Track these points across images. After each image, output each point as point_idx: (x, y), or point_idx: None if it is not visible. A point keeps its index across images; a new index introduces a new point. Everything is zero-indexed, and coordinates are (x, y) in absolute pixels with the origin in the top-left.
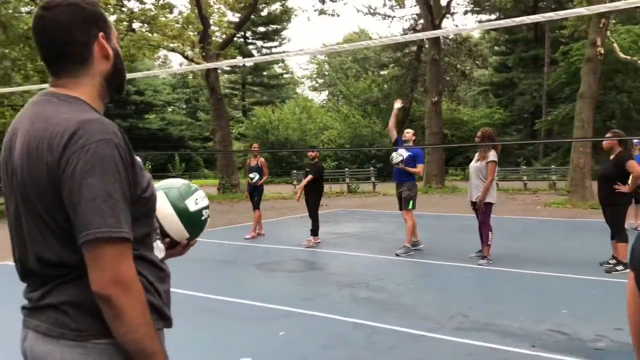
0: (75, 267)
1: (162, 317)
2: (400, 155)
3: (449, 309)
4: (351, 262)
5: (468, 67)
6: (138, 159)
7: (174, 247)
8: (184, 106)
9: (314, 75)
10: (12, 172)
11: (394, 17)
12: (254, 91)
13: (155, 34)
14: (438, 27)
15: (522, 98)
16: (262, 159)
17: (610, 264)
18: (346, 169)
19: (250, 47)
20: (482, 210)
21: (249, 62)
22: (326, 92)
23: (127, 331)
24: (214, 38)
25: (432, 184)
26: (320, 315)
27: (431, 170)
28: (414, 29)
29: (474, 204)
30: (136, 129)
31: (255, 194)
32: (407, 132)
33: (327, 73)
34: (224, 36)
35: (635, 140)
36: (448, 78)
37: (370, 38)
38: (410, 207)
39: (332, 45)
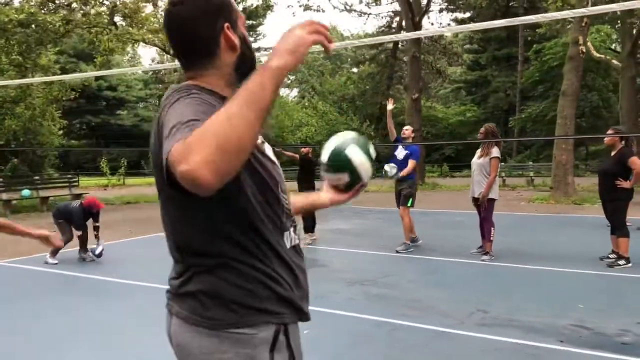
0: (211, 256)
1: (295, 309)
2: (392, 168)
3: (467, 305)
4: (353, 259)
5: (443, 65)
6: None
7: (350, 190)
8: (157, 102)
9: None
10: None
11: (370, 14)
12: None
13: (140, 30)
14: (418, 24)
15: (496, 96)
16: None
17: (610, 258)
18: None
19: None
20: (485, 206)
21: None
22: (297, 89)
23: (232, 130)
24: None
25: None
26: (338, 313)
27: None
28: (389, 27)
29: (476, 199)
30: (108, 125)
31: None
32: (406, 129)
33: (299, 69)
34: None
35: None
36: (423, 75)
37: (342, 35)
38: (409, 204)
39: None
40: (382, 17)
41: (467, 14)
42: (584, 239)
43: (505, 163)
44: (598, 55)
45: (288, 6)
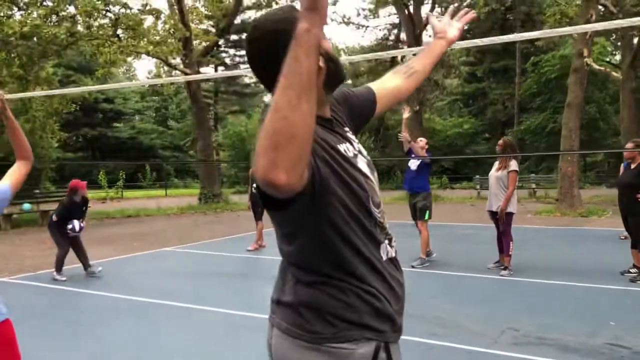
0: (309, 269)
1: (395, 326)
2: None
3: (497, 323)
4: None
5: (440, 77)
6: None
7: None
8: (153, 114)
9: None
10: None
11: (368, 26)
12: (227, 100)
13: (142, 41)
14: (419, 37)
15: (494, 108)
16: None
17: (632, 273)
18: None
19: (223, 54)
20: (503, 220)
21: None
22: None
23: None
24: (194, 45)
25: None
26: None
27: None
28: (387, 39)
29: (493, 213)
30: (105, 138)
31: (259, 204)
32: (420, 140)
33: None
34: (202, 44)
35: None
36: (422, 87)
37: (336, 47)
38: (426, 217)
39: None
40: (380, 30)
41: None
42: (599, 253)
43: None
44: (598, 67)
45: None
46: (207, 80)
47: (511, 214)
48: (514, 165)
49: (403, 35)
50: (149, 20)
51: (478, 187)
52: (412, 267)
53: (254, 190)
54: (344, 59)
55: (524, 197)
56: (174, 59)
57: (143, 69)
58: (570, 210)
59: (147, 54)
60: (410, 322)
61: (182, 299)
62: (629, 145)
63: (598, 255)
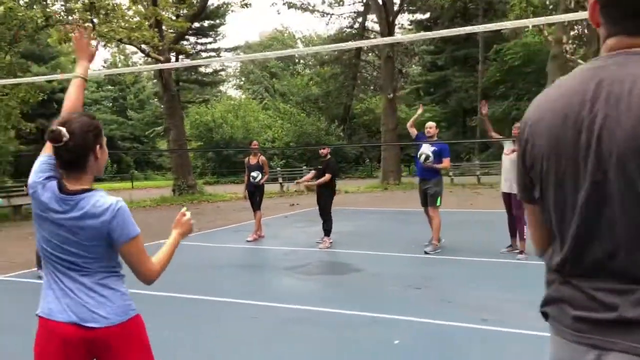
0: None
1: None
2: (423, 153)
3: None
4: (385, 262)
5: (406, 66)
6: None
7: None
8: (110, 105)
9: (237, 73)
10: (589, 139)
11: (332, 14)
12: (188, 89)
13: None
14: (392, 24)
15: (457, 96)
16: (262, 157)
17: None
18: (304, 167)
19: (184, 42)
20: (517, 203)
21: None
22: (250, 90)
23: None
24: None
25: (389, 181)
26: (416, 320)
27: (388, 167)
28: (352, 27)
29: (507, 195)
30: None
31: (256, 193)
32: (430, 127)
33: (251, 71)
34: (170, 30)
35: None
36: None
37: (293, 36)
38: (438, 204)
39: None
40: (345, 18)
41: (426, 15)
42: None
43: (469, 162)
44: (569, 56)
45: (272, 4)
46: (177, 68)
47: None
48: None
49: (369, 24)
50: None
51: (478, 172)
52: (426, 253)
53: (251, 180)
54: (307, 49)
55: (496, 182)
56: (147, 44)
57: (98, 57)
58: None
59: (128, 40)
60: (455, 309)
61: (205, 292)
62: None
63: None
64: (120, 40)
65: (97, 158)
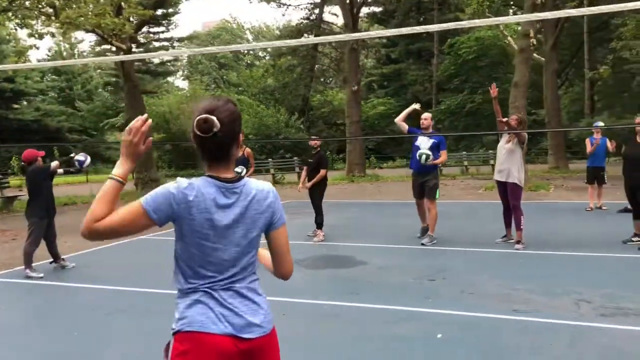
0: None
1: None
2: (423, 154)
3: (564, 296)
4: (386, 254)
5: (361, 59)
6: None
7: None
8: (57, 95)
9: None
10: None
11: (289, 5)
12: (140, 79)
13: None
14: (357, 16)
15: (413, 89)
16: (248, 150)
17: (634, 241)
18: (269, 160)
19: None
20: (513, 193)
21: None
22: (198, 81)
23: None
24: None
25: (354, 173)
26: (452, 313)
27: (353, 159)
28: (308, 19)
29: (502, 185)
30: (5, 120)
31: None
32: (425, 119)
33: (200, 62)
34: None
35: (599, 124)
36: (342, 67)
37: (242, 27)
38: (437, 196)
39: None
40: (302, 9)
41: (379, 9)
42: (583, 225)
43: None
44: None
45: None
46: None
47: (520, 187)
48: (524, 137)
49: (326, 16)
50: None
51: (466, 163)
52: (422, 244)
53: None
54: (263, 44)
55: (457, 174)
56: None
57: (43, 46)
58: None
59: (98, 27)
60: (482, 300)
61: None
62: (638, 119)
63: (584, 227)
64: (87, 30)
65: (238, 146)
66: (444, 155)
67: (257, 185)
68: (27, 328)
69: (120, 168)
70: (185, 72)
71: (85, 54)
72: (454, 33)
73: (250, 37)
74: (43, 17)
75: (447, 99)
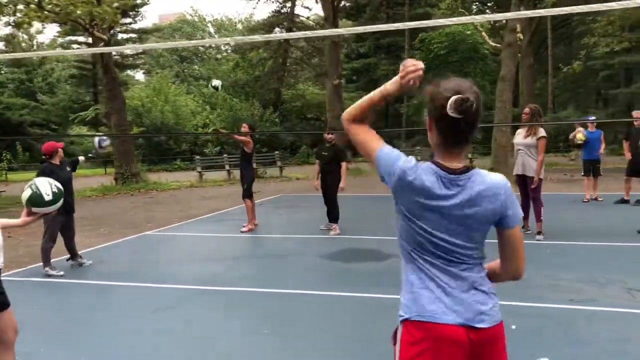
0: None
1: None
2: None
3: (610, 285)
4: None
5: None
6: None
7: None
8: (17, 87)
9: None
10: None
11: None
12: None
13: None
14: (337, 9)
15: (383, 83)
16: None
17: None
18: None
19: None
20: (535, 185)
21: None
22: (159, 74)
23: None
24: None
25: None
26: (510, 304)
27: None
28: (279, 12)
29: (521, 177)
30: None
31: (243, 182)
32: None
33: (161, 54)
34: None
35: (591, 117)
36: (314, 61)
37: (203, 20)
38: None
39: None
40: (273, 2)
41: (348, 3)
42: (588, 215)
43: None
44: (493, 44)
45: None
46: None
47: (540, 179)
48: (542, 131)
49: (299, 10)
50: None
51: (418, 158)
52: None
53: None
54: (249, 38)
55: None
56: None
57: None
58: (508, 177)
59: (89, 16)
60: (536, 291)
61: (274, 284)
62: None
63: (593, 218)
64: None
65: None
66: None
67: (488, 179)
68: (78, 328)
69: (390, 86)
70: (147, 66)
71: (44, 45)
72: (425, 28)
73: (212, 29)
74: (22, 6)
75: (420, 94)
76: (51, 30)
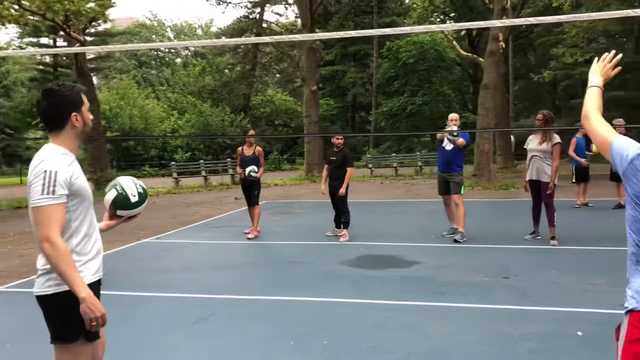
0: None
1: None
2: (452, 133)
3: None
4: (426, 253)
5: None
6: None
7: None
8: None
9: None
10: None
11: (229, 3)
12: (66, 75)
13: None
14: (313, 14)
15: (353, 91)
16: (259, 148)
17: None
18: (228, 160)
19: None
20: (550, 191)
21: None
22: (117, 79)
23: None
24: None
25: (313, 173)
26: (563, 310)
27: (312, 159)
28: (247, 17)
29: (534, 183)
30: None
31: (255, 187)
32: (455, 120)
33: (119, 59)
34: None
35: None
36: (281, 68)
37: (162, 25)
38: (462, 192)
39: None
40: (241, 7)
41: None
42: (587, 220)
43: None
44: (465, 53)
45: None
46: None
47: (555, 185)
48: (557, 138)
49: (268, 16)
50: None
51: (420, 164)
52: (455, 241)
53: (247, 176)
54: (197, 42)
55: (410, 174)
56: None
57: None
58: (489, 184)
59: (76, 14)
60: (580, 295)
61: (297, 292)
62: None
63: (594, 223)
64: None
65: None
66: (461, 140)
67: None
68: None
69: (595, 78)
70: (105, 71)
71: (4, 45)
72: (393, 37)
73: (171, 34)
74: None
75: (390, 101)
76: (9, 32)
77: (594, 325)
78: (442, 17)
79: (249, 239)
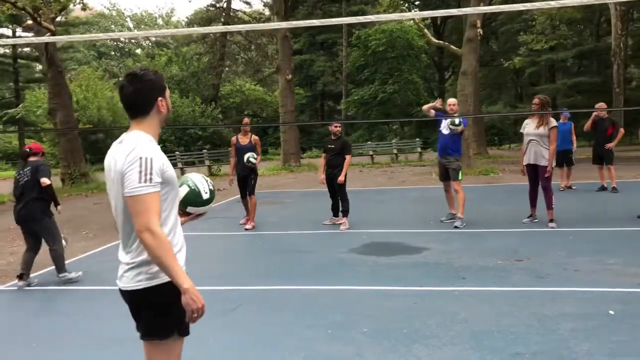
0: None
1: None
2: (453, 123)
3: None
4: (432, 239)
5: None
6: None
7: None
8: None
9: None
10: None
11: None
12: (27, 67)
13: None
14: (287, 2)
15: (323, 79)
16: (255, 137)
17: None
18: (204, 150)
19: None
20: (548, 174)
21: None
22: (77, 70)
23: None
24: None
25: (291, 163)
26: (588, 290)
27: (289, 149)
28: (214, 6)
29: (532, 167)
30: None
31: (251, 177)
32: (453, 105)
33: (78, 50)
34: None
35: (566, 113)
36: (251, 58)
37: (121, 15)
38: (460, 177)
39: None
40: None
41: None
42: (579, 203)
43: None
44: (437, 41)
45: None
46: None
47: (551, 169)
48: (554, 121)
49: (237, 4)
50: None
51: (395, 151)
52: (456, 227)
53: (247, 164)
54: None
55: (386, 162)
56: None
57: None
58: (469, 169)
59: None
60: (599, 275)
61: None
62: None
63: (584, 205)
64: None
65: None
66: (463, 127)
67: None
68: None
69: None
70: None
71: None
72: (362, 25)
73: (131, 24)
74: None
75: (360, 89)
76: None
77: (623, 304)
78: (407, 5)
79: (246, 229)
